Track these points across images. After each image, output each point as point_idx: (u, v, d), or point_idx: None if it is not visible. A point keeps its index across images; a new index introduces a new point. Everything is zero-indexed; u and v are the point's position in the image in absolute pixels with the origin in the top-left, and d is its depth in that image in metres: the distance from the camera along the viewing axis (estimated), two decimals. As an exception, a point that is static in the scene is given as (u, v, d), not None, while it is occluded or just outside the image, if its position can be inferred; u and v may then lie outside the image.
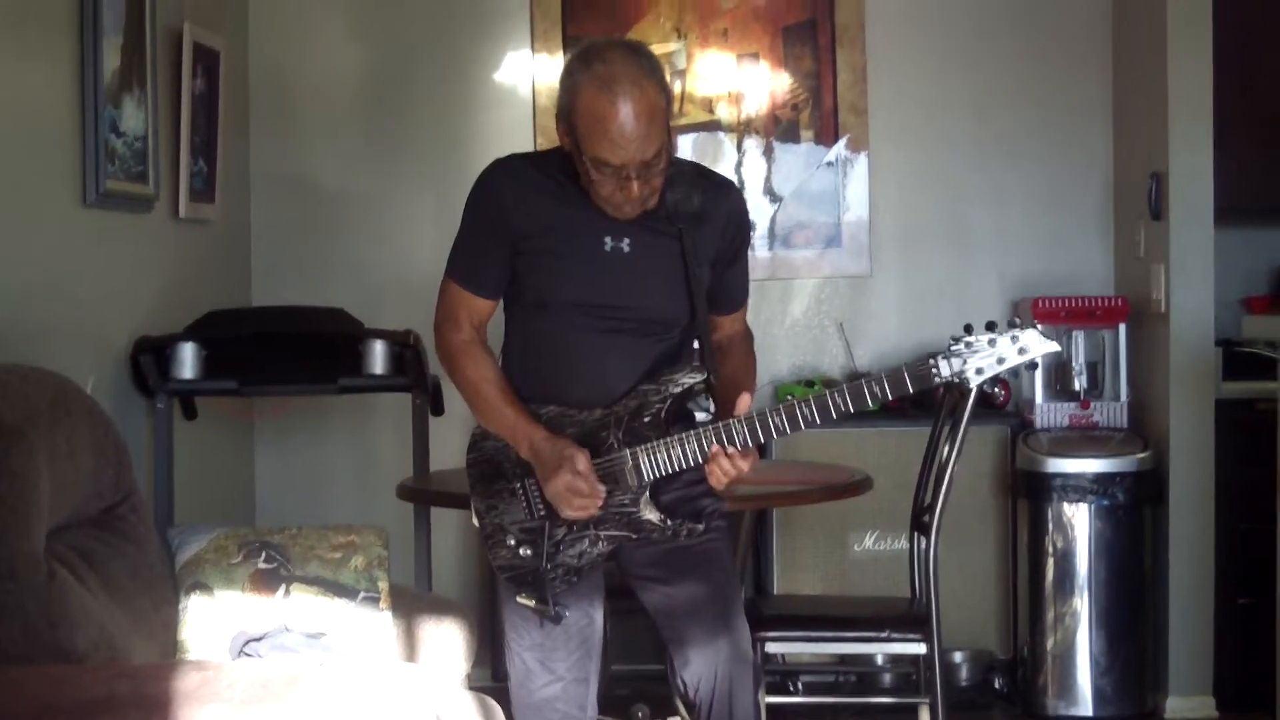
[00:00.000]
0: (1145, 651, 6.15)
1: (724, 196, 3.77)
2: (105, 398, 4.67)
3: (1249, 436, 5.87)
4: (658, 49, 6.55)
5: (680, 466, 3.58)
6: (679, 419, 3.64)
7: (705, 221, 3.68)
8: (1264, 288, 6.64)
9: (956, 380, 3.46)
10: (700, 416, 3.70)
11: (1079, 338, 6.40)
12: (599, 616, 3.83)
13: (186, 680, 3.02)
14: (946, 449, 4.94)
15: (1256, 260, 6.64)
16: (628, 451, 3.59)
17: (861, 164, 6.73)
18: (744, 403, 3.55)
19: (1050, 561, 6.13)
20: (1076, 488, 6.06)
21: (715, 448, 3.51)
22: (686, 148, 6.65)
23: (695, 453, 3.55)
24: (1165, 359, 6.11)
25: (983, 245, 6.75)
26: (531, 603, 3.68)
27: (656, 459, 3.57)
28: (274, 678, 3.01)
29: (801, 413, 3.50)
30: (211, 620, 3.75)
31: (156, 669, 3.30)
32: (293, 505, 6.49)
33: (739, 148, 6.74)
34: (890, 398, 3.50)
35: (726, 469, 3.53)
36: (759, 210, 6.70)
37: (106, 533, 3.71)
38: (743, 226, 3.85)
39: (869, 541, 6.40)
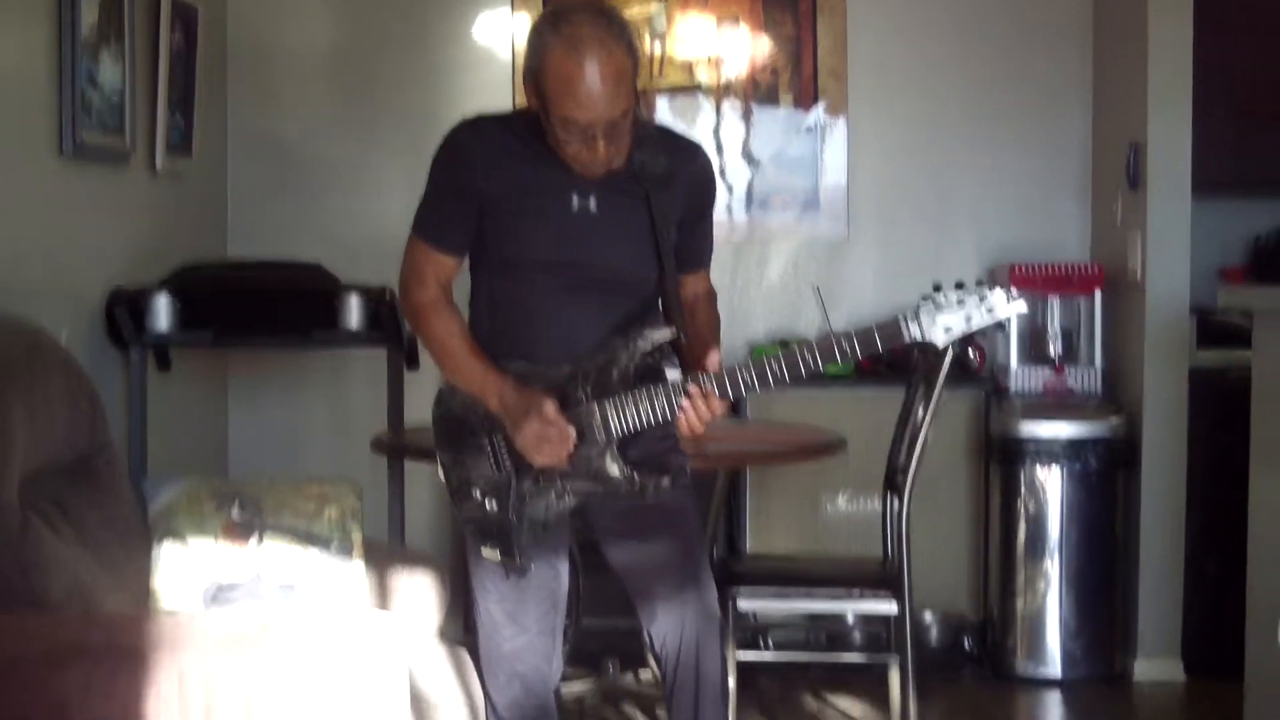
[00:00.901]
0: (1115, 615, 6.19)
1: (691, 158, 3.78)
2: (80, 350, 4.67)
3: (1222, 405, 5.90)
4: (638, 11, 6.56)
5: (648, 422, 3.59)
6: (647, 376, 3.65)
7: (672, 182, 3.69)
8: (1239, 258, 6.65)
9: (924, 339, 3.47)
10: (671, 375, 3.71)
11: (1055, 304, 6.42)
12: (565, 570, 3.84)
13: (159, 629, 3.03)
14: (921, 412, 4.96)
15: (1232, 231, 6.65)
16: (595, 406, 3.60)
17: (840, 129, 6.73)
18: (713, 359, 3.56)
19: (1022, 525, 6.16)
20: (1049, 452, 6.09)
21: (692, 388, 3.52)
22: (665, 110, 6.66)
23: (663, 408, 3.56)
24: (1140, 327, 6.13)
25: (960, 211, 6.76)
26: (497, 555, 3.69)
27: (624, 414, 3.58)
28: (247, 627, 3.02)
29: (771, 369, 3.52)
30: (184, 569, 3.75)
31: (129, 618, 3.32)
32: (266, 459, 6.49)
33: (717, 111, 6.74)
34: (859, 355, 3.51)
35: (701, 412, 3.54)
36: (736, 173, 6.71)
37: (80, 483, 3.71)
38: (708, 188, 3.85)
39: (841, 502, 6.42)
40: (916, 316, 3.47)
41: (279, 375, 6.67)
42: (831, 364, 3.51)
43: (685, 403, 3.53)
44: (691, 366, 3.62)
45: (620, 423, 3.59)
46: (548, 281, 3.65)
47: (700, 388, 3.53)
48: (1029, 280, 6.30)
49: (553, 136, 3.53)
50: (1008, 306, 3.49)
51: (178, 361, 5.78)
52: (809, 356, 3.50)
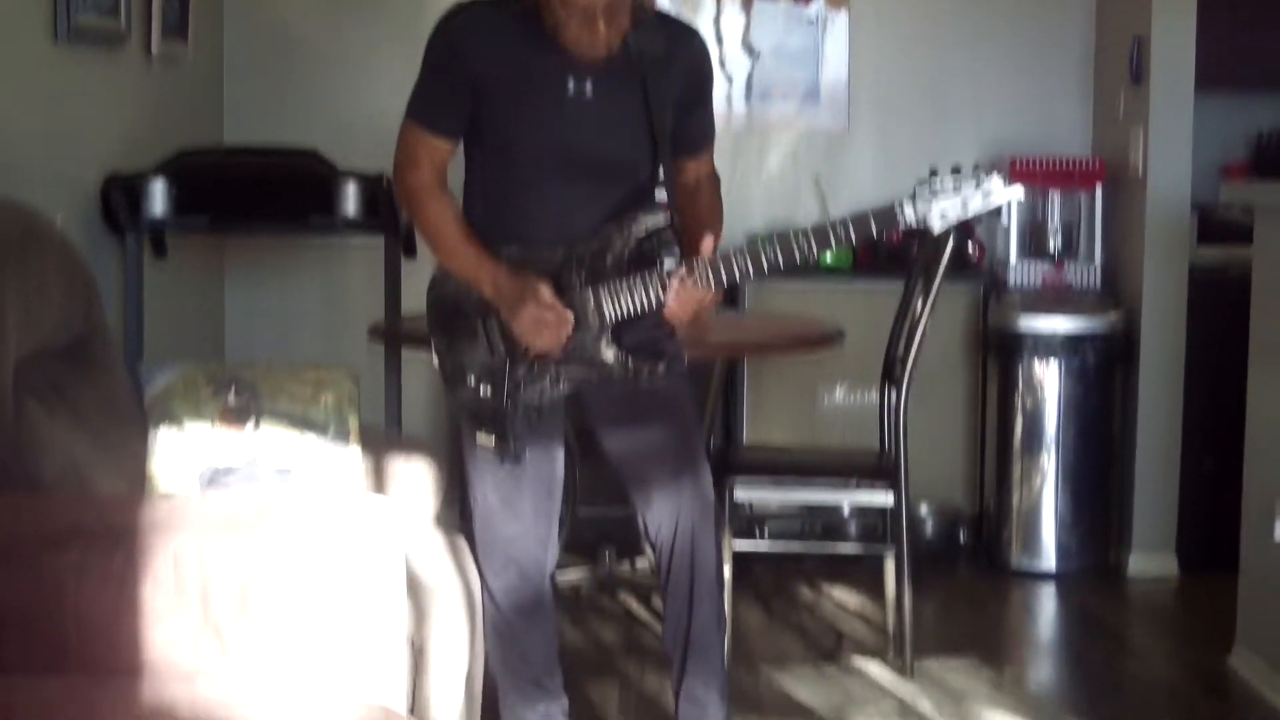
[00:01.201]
0: (1110, 509, 6.21)
1: (687, 41, 3.75)
2: (76, 235, 4.63)
3: (1221, 302, 5.89)
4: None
5: (642, 307, 3.57)
6: (642, 262, 3.63)
7: (668, 66, 3.66)
8: (1242, 154, 6.63)
9: (920, 224, 3.45)
10: (668, 261, 3.69)
11: (1055, 199, 6.40)
12: (560, 457, 3.84)
13: (154, 511, 3.03)
14: (919, 304, 4.94)
15: (1235, 127, 6.62)
16: (589, 291, 3.58)
17: (841, 21, 6.68)
18: (708, 245, 3.54)
19: (1019, 419, 6.16)
20: (1047, 347, 6.08)
21: (682, 272, 3.50)
22: (666, 1, 6.60)
23: (656, 294, 3.55)
24: (1140, 222, 6.11)
25: (961, 104, 6.72)
26: (491, 442, 3.69)
27: (619, 299, 3.57)
28: (242, 509, 3.02)
29: (765, 255, 3.50)
30: (180, 454, 3.74)
31: (124, 499, 3.31)
32: (262, 347, 6.48)
33: (717, 1, 6.68)
34: (854, 240, 3.49)
35: (691, 298, 3.51)
36: (736, 65, 6.67)
37: (76, 365, 3.69)
38: (705, 71, 3.82)
39: (839, 395, 6.42)
40: (912, 201, 3.45)
41: (276, 262, 6.64)
42: (829, 254, 3.50)
43: (675, 287, 3.52)
44: (690, 252, 3.60)
45: (614, 308, 3.58)
46: (542, 166, 3.63)
47: (691, 272, 3.51)
48: (1029, 175, 6.27)
49: (551, 18, 3.49)
50: (1004, 192, 3.47)
51: (174, 249, 5.75)
52: (803, 242, 3.48)
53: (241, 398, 3.81)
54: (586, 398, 3.77)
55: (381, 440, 4.19)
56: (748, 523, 6.11)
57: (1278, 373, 4.80)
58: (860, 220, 3.47)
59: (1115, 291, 6.33)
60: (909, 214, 3.46)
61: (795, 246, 3.48)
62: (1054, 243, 6.40)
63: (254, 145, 6.03)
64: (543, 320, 3.55)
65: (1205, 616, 5.54)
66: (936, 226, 3.47)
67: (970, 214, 3.47)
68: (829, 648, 5.22)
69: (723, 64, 6.63)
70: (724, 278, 3.51)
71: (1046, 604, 5.96)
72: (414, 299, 5.53)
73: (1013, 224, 6.41)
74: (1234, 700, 4.84)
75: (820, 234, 3.48)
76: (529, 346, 3.60)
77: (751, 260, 3.50)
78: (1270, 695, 4.73)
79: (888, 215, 3.47)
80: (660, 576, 3.81)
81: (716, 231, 3.63)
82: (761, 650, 5.18)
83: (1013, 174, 6.16)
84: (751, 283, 6.29)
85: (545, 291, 3.55)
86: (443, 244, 3.70)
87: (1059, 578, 6.14)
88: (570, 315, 3.57)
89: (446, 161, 3.72)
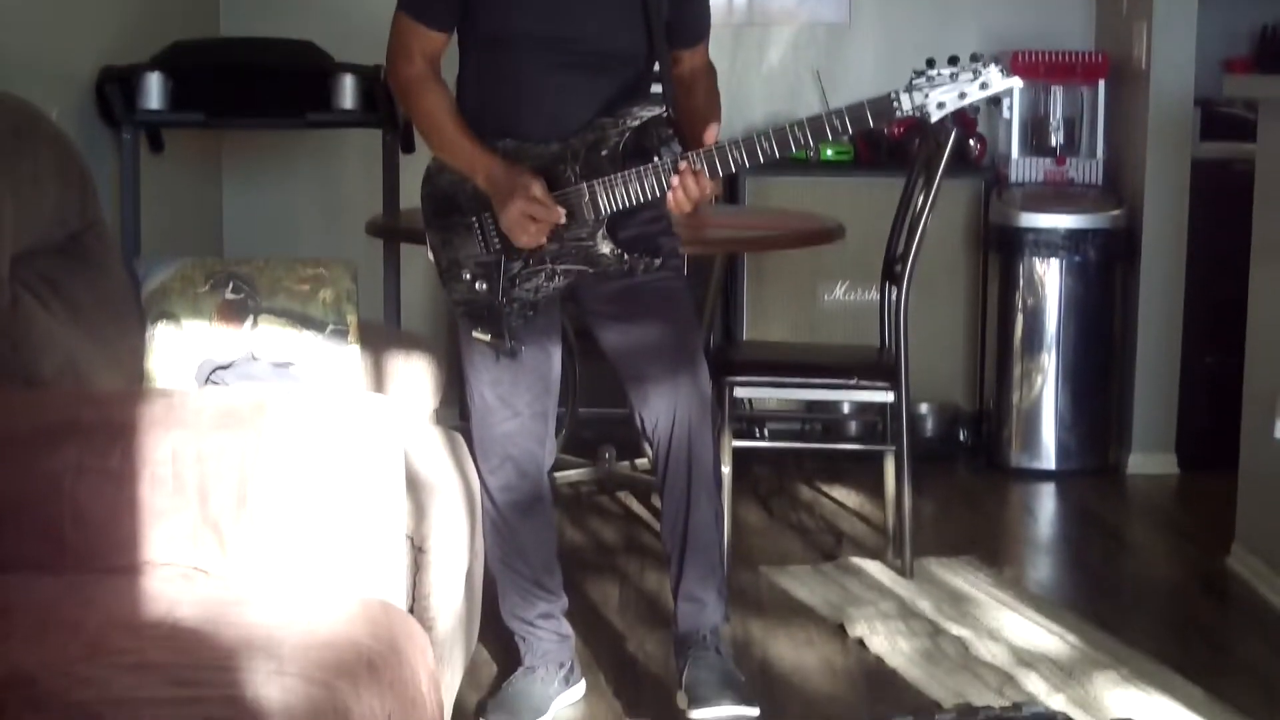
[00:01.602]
0: (1110, 408, 6.20)
1: None
2: (71, 129, 4.59)
3: (1223, 197, 5.85)
4: None
5: (638, 200, 3.53)
6: (637, 155, 3.59)
7: None
8: (1245, 49, 6.56)
9: (917, 114, 3.41)
10: (665, 155, 3.65)
11: (1057, 93, 6.35)
12: (556, 353, 3.82)
13: (152, 406, 3.00)
14: (920, 200, 4.91)
15: (1239, 21, 6.55)
16: (584, 185, 3.55)
17: (843, -90, 6.61)
18: (711, 133, 3.50)
19: (1020, 317, 6.14)
20: (1049, 244, 6.05)
21: (684, 165, 3.46)
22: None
23: (652, 186, 3.51)
24: (1143, 117, 6.07)
25: (964, -4, 6.67)
26: (487, 337, 3.68)
27: (614, 192, 3.53)
28: (241, 405, 2.99)
29: (760, 145, 3.45)
30: (178, 349, 3.72)
31: (122, 395, 3.29)
32: (260, 242, 6.45)
33: (718, -108, 6.61)
34: (851, 131, 3.45)
35: (690, 189, 3.48)
36: (738, -45, 6.60)
37: (72, 260, 3.66)
38: None
39: (839, 292, 6.40)
40: (909, 91, 3.41)
41: (273, 157, 6.60)
42: (829, 148, 3.46)
43: (674, 180, 3.48)
44: (689, 144, 3.56)
45: (610, 202, 3.54)
46: (535, 57, 3.59)
47: (690, 164, 3.47)
48: (1032, 69, 6.22)
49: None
50: (1002, 81, 3.42)
51: (171, 143, 5.71)
52: (799, 133, 3.44)
53: (239, 293, 3.78)
54: (583, 292, 3.74)
55: (380, 336, 4.17)
56: (747, 423, 6.10)
57: (1279, 270, 4.78)
58: (856, 111, 3.43)
59: (1117, 188, 6.29)
60: (905, 104, 3.41)
61: (791, 138, 3.44)
62: (1056, 138, 6.36)
63: (250, 38, 5.97)
64: (531, 215, 3.52)
65: (1204, 515, 5.55)
66: (934, 116, 3.43)
67: (968, 103, 3.42)
68: (828, 547, 5.22)
69: (723, -44, 6.57)
70: (719, 169, 3.47)
71: (1046, 503, 5.96)
72: (412, 194, 5.50)
73: (1014, 119, 6.37)
74: (1232, 599, 4.85)
75: (816, 125, 3.43)
76: (514, 241, 3.57)
77: (747, 151, 3.45)
78: (1268, 594, 4.73)
79: (884, 106, 3.43)
80: (658, 473, 3.80)
81: (715, 121, 3.59)
82: (761, 550, 5.19)
83: (1015, 68, 6.07)
84: (750, 176, 6.26)
85: (536, 186, 3.52)
86: (436, 135, 3.67)
87: (1058, 477, 6.14)
88: (560, 211, 3.54)
89: (440, 53, 3.69)
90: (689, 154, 3.48)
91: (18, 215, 3.39)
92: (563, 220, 3.54)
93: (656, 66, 3.69)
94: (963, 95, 3.42)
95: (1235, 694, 4.02)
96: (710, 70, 3.83)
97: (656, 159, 3.54)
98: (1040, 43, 6.43)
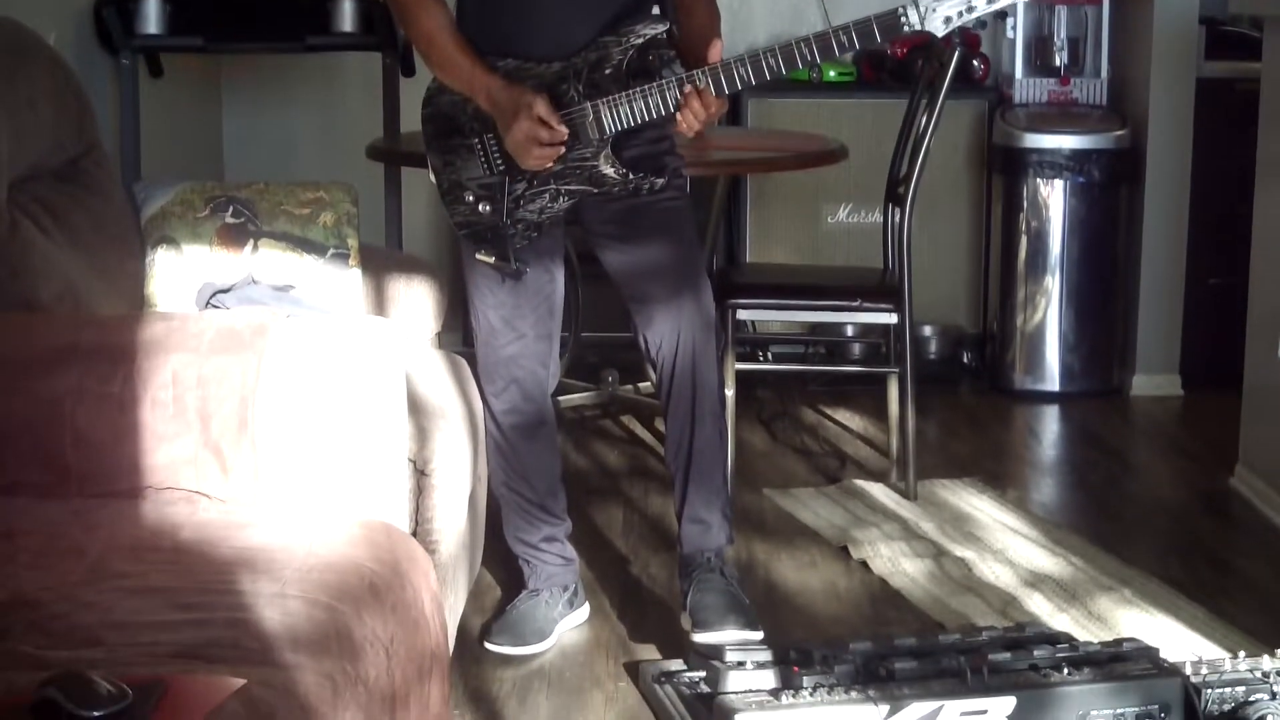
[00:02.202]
0: (1114, 330, 6.18)
1: None
2: (69, 54, 4.56)
3: (1228, 117, 5.83)
4: None
5: (641, 119, 3.50)
6: (640, 73, 3.56)
7: None
8: (1251, -34, 6.52)
9: (923, 28, 3.37)
10: (667, 74, 3.62)
11: (1061, 13, 6.31)
12: (560, 275, 3.80)
13: (152, 329, 2.99)
14: (924, 121, 4.88)
15: (1246, -62, 6.51)
16: (588, 104, 3.51)
17: None
18: (715, 50, 3.47)
19: (1023, 239, 6.12)
20: (1052, 164, 6.02)
21: (689, 88, 3.43)
22: None
23: (657, 105, 3.47)
24: (1148, 36, 6.02)
25: (968, -85, 6.59)
26: (491, 259, 3.65)
27: (618, 111, 3.50)
28: (242, 327, 2.98)
29: (766, 62, 3.41)
30: (178, 274, 3.71)
31: (122, 319, 3.27)
32: (261, 166, 6.40)
33: None
34: (857, 47, 3.41)
35: (697, 109, 3.45)
36: (738, -123, 6.55)
37: (70, 185, 3.64)
38: None
39: (842, 214, 6.37)
40: (915, 4, 3.37)
41: (273, 81, 6.57)
42: (831, 66, 3.43)
43: (684, 103, 3.44)
44: (692, 65, 3.52)
45: (614, 121, 3.51)
46: None
47: (695, 85, 3.44)
48: (1037, -13, 6.19)
49: None
50: None
51: (170, 69, 5.68)
52: (805, 50, 3.40)
53: (239, 218, 3.77)
54: (587, 213, 3.72)
55: (382, 259, 4.15)
56: (751, 346, 6.09)
57: (1286, 190, 4.76)
58: (862, 27, 3.39)
59: (1121, 108, 6.26)
60: (913, 18, 3.37)
61: (799, 54, 3.40)
62: (1060, 58, 6.32)
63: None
64: (536, 136, 3.48)
65: (1208, 437, 5.55)
66: (940, 31, 3.39)
67: (974, 17, 3.38)
68: (832, 470, 5.22)
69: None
70: (725, 87, 3.43)
71: (1050, 425, 5.96)
72: (413, 117, 5.47)
73: (1018, 39, 6.33)
74: (1235, 519, 4.85)
75: (824, 41, 3.40)
76: (520, 163, 3.54)
77: (753, 68, 3.42)
78: (1271, 514, 4.73)
79: (890, 21, 3.38)
80: (662, 395, 3.79)
81: (717, 39, 3.56)
82: (764, 473, 5.18)
83: (1019, -13, 6.07)
84: (753, 97, 6.23)
85: (541, 105, 3.48)
86: (436, 55, 3.63)
87: (1062, 398, 6.13)
88: (565, 131, 3.50)
89: None
90: (694, 73, 3.45)
91: (14, 140, 3.37)
92: (566, 139, 3.52)
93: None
94: (970, 9, 3.38)
95: (1238, 613, 4.03)
96: None
97: (661, 78, 3.51)
98: (1045, -39, 6.39)
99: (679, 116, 3.46)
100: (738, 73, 3.42)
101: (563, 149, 3.52)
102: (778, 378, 6.17)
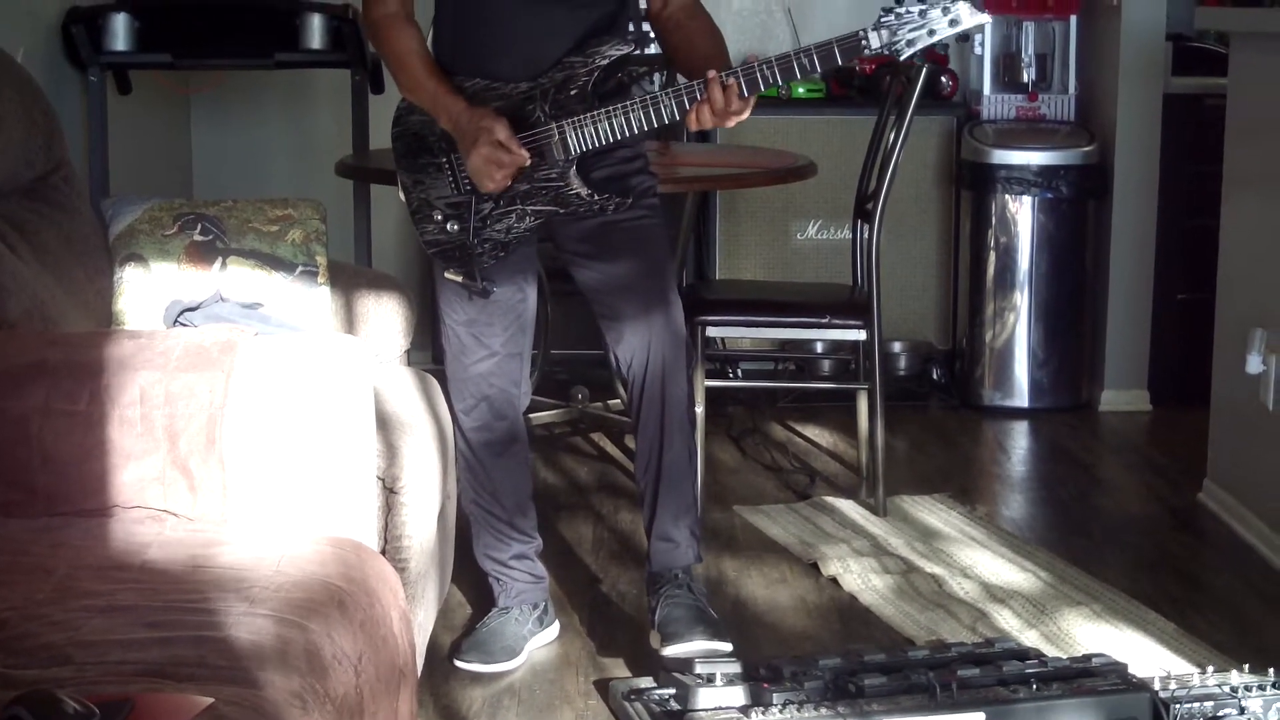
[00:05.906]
0: (1083, 345, 6.20)
1: None
2: (37, 71, 4.55)
3: (1196, 132, 5.87)
4: None
5: (608, 139, 3.51)
6: (610, 93, 3.56)
7: None
8: (1218, -17, 6.55)
9: (886, 51, 3.38)
10: (635, 91, 3.63)
11: (1029, 28, 6.33)
12: (531, 292, 3.81)
13: (120, 347, 2.98)
14: (892, 137, 4.89)
15: (1212, -46, 6.54)
16: (554, 125, 3.52)
17: None
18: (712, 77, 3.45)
19: (992, 254, 6.14)
20: (1021, 180, 6.04)
21: (711, 75, 3.40)
22: None
23: (624, 126, 3.47)
24: (1115, 52, 6.05)
25: (936, -67, 6.61)
26: (459, 278, 3.66)
27: (583, 133, 3.51)
28: (210, 345, 2.97)
29: (724, 85, 3.41)
30: (146, 291, 3.70)
31: (89, 336, 3.26)
32: (230, 183, 6.41)
33: None
34: (819, 70, 3.42)
35: (718, 104, 3.42)
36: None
37: (38, 203, 3.63)
38: None
39: (811, 230, 6.38)
40: (878, 28, 3.37)
41: (241, 98, 6.56)
42: (799, 83, 3.43)
43: (706, 97, 3.42)
44: (710, 66, 3.47)
45: (579, 142, 3.51)
46: None
47: (720, 81, 3.40)
48: (1003, 3, 6.21)
49: None
50: (972, 18, 3.38)
51: (138, 85, 5.67)
52: (767, 73, 3.40)
53: (207, 235, 3.76)
54: (558, 231, 3.72)
55: (351, 276, 4.15)
56: (720, 363, 6.09)
57: (1251, 204, 4.77)
58: (824, 50, 3.39)
59: (1089, 122, 6.28)
60: (874, 42, 3.37)
61: (759, 77, 3.40)
62: (1028, 74, 6.34)
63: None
64: (495, 160, 3.49)
65: (1176, 451, 5.57)
66: (903, 54, 3.40)
67: (936, 40, 3.39)
68: (801, 486, 5.22)
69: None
70: (677, 114, 3.43)
71: (1019, 440, 5.97)
72: (382, 134, 5.48)
73: (986, 55, 6.35)
74: (1204, 534, 4.86)
75: (784, 66, 3.39)
76: (479, 186, 3.55)
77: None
78: (1240, 528, 4.75)
79: (852, 44, 3.39)
80: (632, 411, 3.79)
81: (720, 60, 3.56)
82: (734, 489, 5.19)
83: (986, 3, 6.09)
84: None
85: (501, 130, 3.49)
86: (405, 76, 3.64)
87: (1031, 414, 6.14)
88: (525, 154, 3.51)
89: None
90: (659, 97, 3.44)
91: (-18, 157, 3.36)
92: (528, 163, 3.52)
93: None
94: (932, 33, 3.38)
95: (1206, 628, 4.04)
96: (701, 10, 3.79)
97: (631, 97, 3.51)
98: (1013, -22, 6.41)
99: (696, 110, 3.43)
100: (691, 96, 3.42)
101: (526, 169, 3.53)
102: (747, 394, 6.18)
